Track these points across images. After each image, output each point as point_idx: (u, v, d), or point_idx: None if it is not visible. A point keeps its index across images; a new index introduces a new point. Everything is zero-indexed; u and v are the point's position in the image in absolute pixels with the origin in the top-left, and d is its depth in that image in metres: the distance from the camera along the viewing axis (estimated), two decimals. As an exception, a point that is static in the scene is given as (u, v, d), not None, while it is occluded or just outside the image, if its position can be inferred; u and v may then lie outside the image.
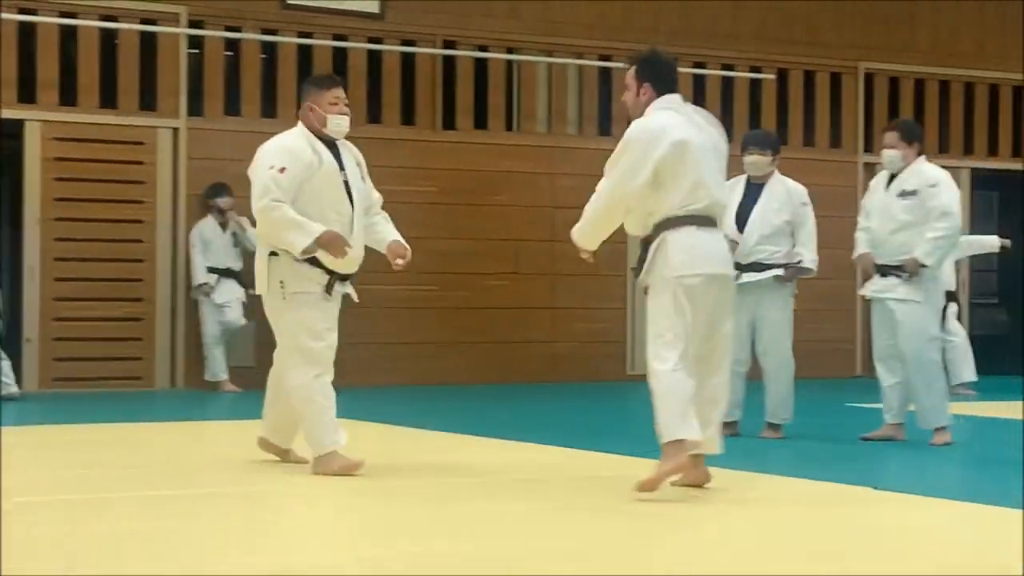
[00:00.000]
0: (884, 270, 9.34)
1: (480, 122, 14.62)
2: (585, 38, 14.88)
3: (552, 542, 5.89)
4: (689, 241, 6.70)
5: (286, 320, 7.42)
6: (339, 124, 7.44)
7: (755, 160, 9.75)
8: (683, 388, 6.65)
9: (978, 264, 16.14)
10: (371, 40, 14.09)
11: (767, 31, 15.60)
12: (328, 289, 7.40)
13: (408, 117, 14.35)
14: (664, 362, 6.70)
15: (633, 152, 6.77)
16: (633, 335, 14.77)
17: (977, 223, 16.27)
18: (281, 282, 7.33)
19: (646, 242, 6.89)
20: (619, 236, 14.55)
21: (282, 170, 7.23)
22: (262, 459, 8.56)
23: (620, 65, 14.68)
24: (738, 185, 9.81)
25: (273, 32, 13.76)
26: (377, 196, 7.89)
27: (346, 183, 7.47)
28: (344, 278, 7.45)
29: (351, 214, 7.43)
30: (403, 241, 7.73)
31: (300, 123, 7.52)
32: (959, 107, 16.61)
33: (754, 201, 9.80)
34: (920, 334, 9.24)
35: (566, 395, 13.10)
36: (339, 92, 7.57)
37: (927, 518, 6.57)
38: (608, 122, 14.92)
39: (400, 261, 7.62)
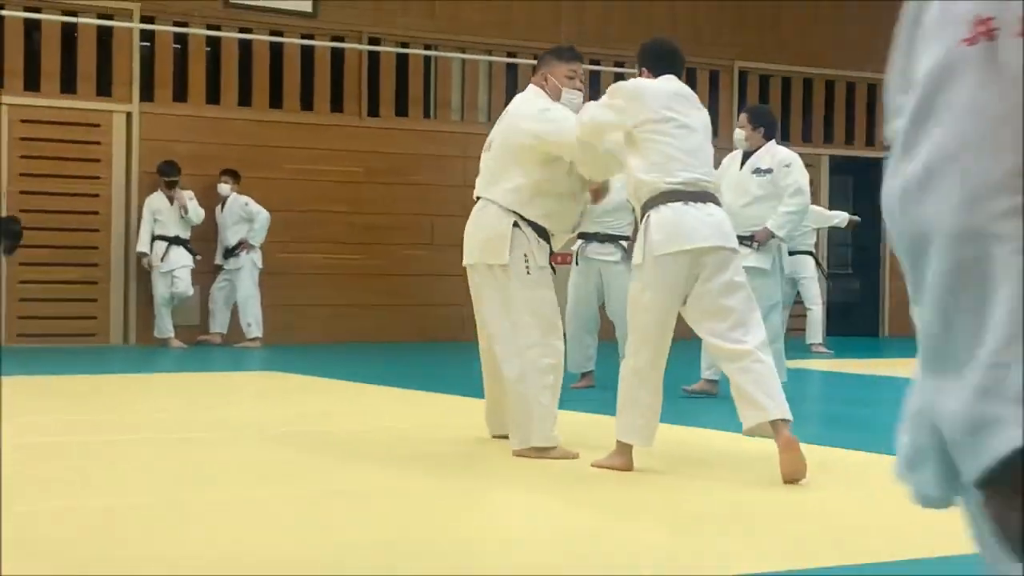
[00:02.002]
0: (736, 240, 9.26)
1: (401, 110, 14.67)
2: (494, 37, 14.94)
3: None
4: (671, 217, 5.84)
5: (525, 296, 6.39)
6: (572, 99, 6.58)
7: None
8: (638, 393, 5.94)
9: (835, 239, 16.48)
10: (304, 36, 14.10)
11: (654, 31, 15.72)
12: (552, 265, 6.65)
13: (337, 105, 14.36)
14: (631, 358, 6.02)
15: (616, 97, 6.04)
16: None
17: (835, 203, 16.57)
18: (526, 256, 6.39)
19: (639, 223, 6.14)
20: None
21: None
22: (204, 409, 8.56)
23: (525, 61, 14.78)
24: None
25: (217, 28, 13.69)
26: None
27: None
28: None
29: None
30: None
31: (533, 86, 6.77)
32: (820, 101, 16.93)
33: None
34: (766, 300, 8.90)
35: (469, 352, 13.23)
36: (577, 66, 6.72)
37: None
38: None
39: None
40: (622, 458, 5.93)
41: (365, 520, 5.04)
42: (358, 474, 6.01)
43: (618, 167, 6.35)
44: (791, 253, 14.08)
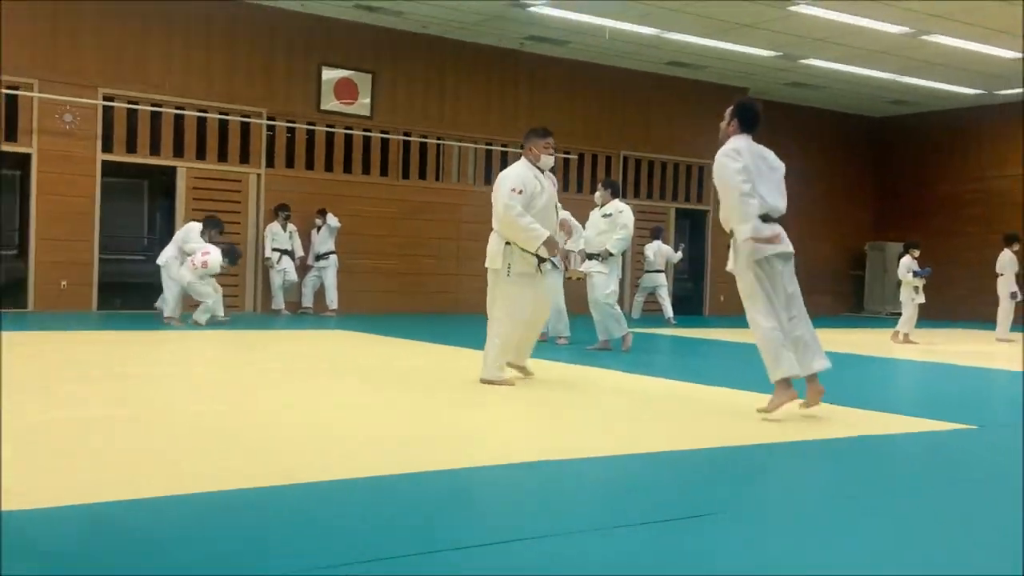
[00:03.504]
0: (591, 256, 8.92)
1: (422, 175, 14.56)
2: (477, 132, 14.89)
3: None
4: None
5: (504, 290, 6.13)
6: (547, 162, 6.20)
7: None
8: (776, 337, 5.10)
9: (683, 258, 16.75)
10: (365, 130, 14.02)
11: (577, 129, 15.51)
12: (539, 268, 6.16)
13: (384, 171, 14.24)
14: (763, 320, 5.13)
15: (731, 168, 5.04)
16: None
17: (679, 235, 16.96)
18: (509, 265, 6.09)
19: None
20: (482, 235, 14.92)
21: (520, 192, 6.02)
22: (304, 349, 8.22)
23: (498, 148, 14.84)
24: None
25: (313, 124, 13.68)
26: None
27: (556, 205, 6.29)
28: (544, 260, 6.18)
29: (555, 220, 6.28)
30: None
31: (523, 157, 6.25)
32: (671, 174, 16.75)
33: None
34: (603, 290, 8.82)
35: (463, 321, 13.04)
36: (550, 140, 6.24)
37: (633, 383, 6.48)
38: (490, 178, 14.81)
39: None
40: (786, 391, 5.10)
41: (399, 416, 4.86)
42: (394, 392, 5.66)
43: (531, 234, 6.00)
44: (649, 271, 14.54)
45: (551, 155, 6.23)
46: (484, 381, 6.13)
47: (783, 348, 5.06)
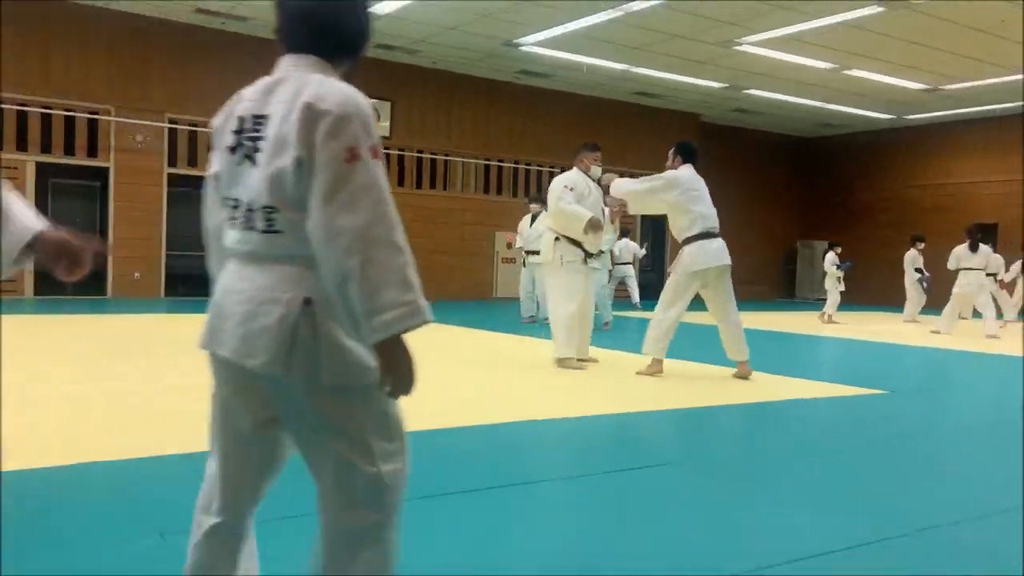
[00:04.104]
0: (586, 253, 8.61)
1: (432, 185, 14.49)
2: (480, 150, 14.83)
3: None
4: (699, 245, 5.40)
5: (557, 278, 5.94)
6: (596, 172, 6.02)
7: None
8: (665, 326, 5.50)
9: (647, 254, 16.77)
10: (385, 148, 13.55)
11: (557, 147, 15.44)
12: (585, 261, 5.95)
13: (401, 183, 14.13)
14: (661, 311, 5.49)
15: (662, 181, 5.43)
16: (495, 279, 14.70)
17: (644, 236, 16.92)
18: (561, 256, 5.91)
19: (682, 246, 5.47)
20: (481, 236, 14.94)
21: (572, 189, 5.83)
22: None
23: (495, 163, 14.80)
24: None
25: None
26: None
27: (602, 208, 6.03)
28: (591, 255, 5.99)
29: (602, 219, 5.96)
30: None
31: (576, 167, 6.04)
32: None
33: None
34: (599, 283, 8.77)
35: (465, 307, 13.00)
36: (598, 153, 6.04)
37: (618, 359, 6.46)
38: (488, 188, 14.91)
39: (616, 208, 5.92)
40: (657, 365, 5.49)
41: (443, 383, 4.77)
42: (428, 366, 5.69)
43: (575, 222, 5.83)
44: (618, 264, 14.54)
45: (599, 166, 6.09)
46: (559, 362, 5.85)
47: (663, 336, 5.39)
